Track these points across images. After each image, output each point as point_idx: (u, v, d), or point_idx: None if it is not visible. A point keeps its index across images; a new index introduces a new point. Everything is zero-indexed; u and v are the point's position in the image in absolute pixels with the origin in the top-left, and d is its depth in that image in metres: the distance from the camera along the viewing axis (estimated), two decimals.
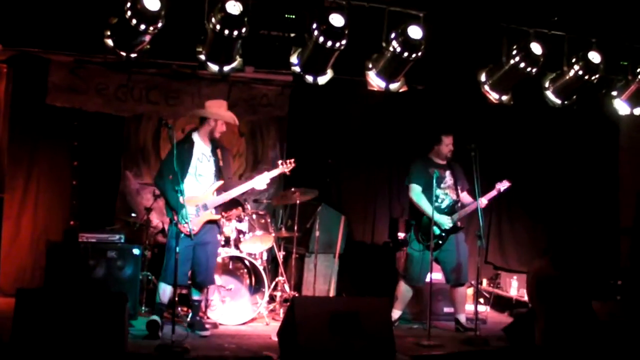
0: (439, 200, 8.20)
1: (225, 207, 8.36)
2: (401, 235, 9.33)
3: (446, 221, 8.10)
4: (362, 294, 8.98)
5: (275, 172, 7.82)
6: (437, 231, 8.05)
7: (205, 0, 6.76)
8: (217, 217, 7.62)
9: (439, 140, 8.30)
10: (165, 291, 7.34)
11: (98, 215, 9.07)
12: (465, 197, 8.38)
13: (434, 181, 8.02)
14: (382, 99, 9.09)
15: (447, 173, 8.33)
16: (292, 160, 7.90)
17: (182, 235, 7.09)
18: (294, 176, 9.40)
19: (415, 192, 8.17)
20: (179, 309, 7.91)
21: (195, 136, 7.55)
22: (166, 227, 8.82)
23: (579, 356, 5.66)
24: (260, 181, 7.68)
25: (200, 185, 7.44)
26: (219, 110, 7.59)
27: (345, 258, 9.37)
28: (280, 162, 7.91)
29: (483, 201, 8.07)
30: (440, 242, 8.12)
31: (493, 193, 8.24)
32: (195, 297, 7.64)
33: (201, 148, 7.51)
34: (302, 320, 6.29)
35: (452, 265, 8.18)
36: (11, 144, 8.72)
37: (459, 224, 8.21)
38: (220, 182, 7.54)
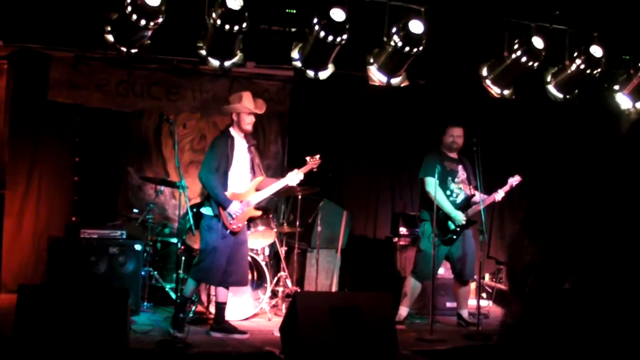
0: (454, 195, 8.14)
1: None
2: (403, 230, 9.30)
3: (461, 217, 8.02)
4: (364, 289, 8.97)
5: (305, 169, 7.66)
6: (452, 226, 8.02)
7: None
8: (259, 213, 7.60)
9: (443, 131, 8.25)
10: (191, 287, 7.35)
11: (100, 211, 9.07)
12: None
13: (449, 175, 8.02)
14: (383, 93, 9.08)
15: (460, 167, 8.25)
16: (318, 156, 7.74)
17: (222, 232, 7.13)
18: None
19: (432, 185, 7.87)
20: None
21: (232, 131, 7.47)
22: (172, 224, 8.84)
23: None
24: (294, 177, 7.53)
25: (240, 181, 7.39)
26: (234, 103, 7.50)
27: (347, 253, 9.37)
28: (307, 158, 7.73)
29: (501, 193, 8.09)
30: (455, 237, 8.07)
31: (506, 188, 8.21)
32: (221, 299, 7.42)
33: (239, 143, 7.44)
34: (304, 316, 6.28)
35: (460, 262, 8.16)
36: (12, 140, 8.71)
37: (471, 218, 8.16)
38: (261, 178, 7.50)
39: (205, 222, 7.29)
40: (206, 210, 7.33)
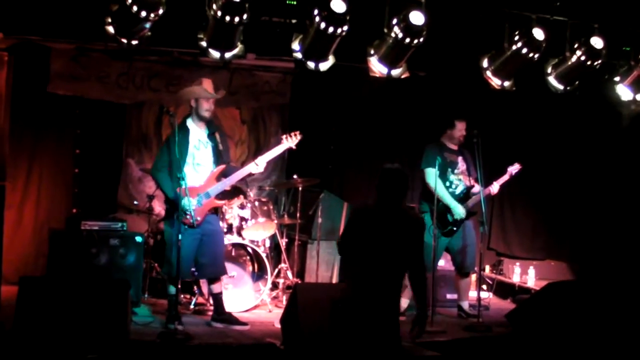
0: (453, 186, 8.17)
1: (228, 195, 8.29)
2: None
3: (460, 211, 8.03)
4: None
5: (274, 152, 7.54)
6: (452, 218, 8.03)
7: None
8: (221, 203, 7.53)
9: (452, 125, 8.26)
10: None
11: (100, 203, 9.10)
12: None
13: (448, 167, 8.04)
14: (384, 85, 9.06)
15: (460, 159, 8.29)
16: (297, 132, 7.63)
17: (186, 227, 6.98)
18: (296, 163, 9.38)
19: (433, 176, 7.89)
20: (182, 296, 7.92)
21: (189, 122, 7.34)
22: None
23: None
24: (255, 167, 7.38)
25: (199, 174, 7.25)
26: (191, 88, 7.39)
27: None
28: (284, 136, 7.62)
29: (496, 186, 8.15)
30: (455, 228, 8.09)
31: (505, 177, 8.27)
32: (216, 290, 7.43)
33: (197, 134, 7.30)
34: (304, 307, 6.29)
35: (461, 254, 8.18)
36: (13, 132, 8.67)
37: (471, 209, 8.18)
38: (222, 167, 7.34)
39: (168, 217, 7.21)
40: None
